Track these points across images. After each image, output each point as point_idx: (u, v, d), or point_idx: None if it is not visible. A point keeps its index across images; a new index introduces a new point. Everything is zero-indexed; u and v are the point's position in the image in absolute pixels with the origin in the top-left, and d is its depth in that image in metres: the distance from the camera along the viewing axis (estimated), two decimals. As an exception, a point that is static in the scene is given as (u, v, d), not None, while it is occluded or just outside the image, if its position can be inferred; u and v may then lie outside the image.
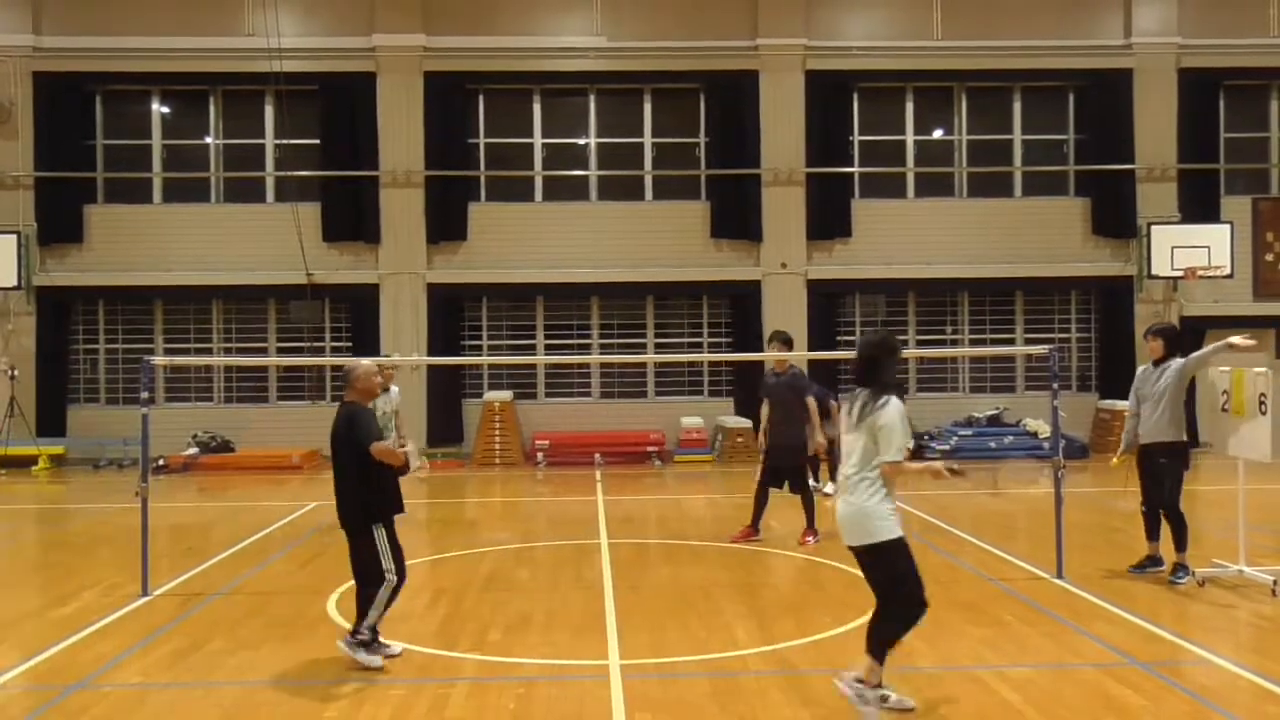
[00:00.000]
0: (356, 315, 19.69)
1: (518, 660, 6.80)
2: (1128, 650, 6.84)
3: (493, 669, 6.65)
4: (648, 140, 20.19)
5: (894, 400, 5.59)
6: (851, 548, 5.72)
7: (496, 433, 18.81)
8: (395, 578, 6.69)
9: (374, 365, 7.01)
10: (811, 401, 10.78)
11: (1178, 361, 8.74)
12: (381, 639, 6.81)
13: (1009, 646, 6.96)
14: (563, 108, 20.26)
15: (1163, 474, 8.70)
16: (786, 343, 10.99)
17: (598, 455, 18.39)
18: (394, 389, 11.43)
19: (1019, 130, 20.41)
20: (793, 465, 10.71)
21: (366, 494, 6.66)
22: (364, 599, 6.70)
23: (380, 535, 6.68)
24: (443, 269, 19.59)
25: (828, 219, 19.69)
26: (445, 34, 19.51)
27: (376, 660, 6.64)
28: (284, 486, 16.27)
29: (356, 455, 6.62)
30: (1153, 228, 19.23)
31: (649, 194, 20.23)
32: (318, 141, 19.65)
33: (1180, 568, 8.70)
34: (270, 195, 19.94)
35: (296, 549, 10.81)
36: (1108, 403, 19.44)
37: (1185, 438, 8.75)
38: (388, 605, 6.73)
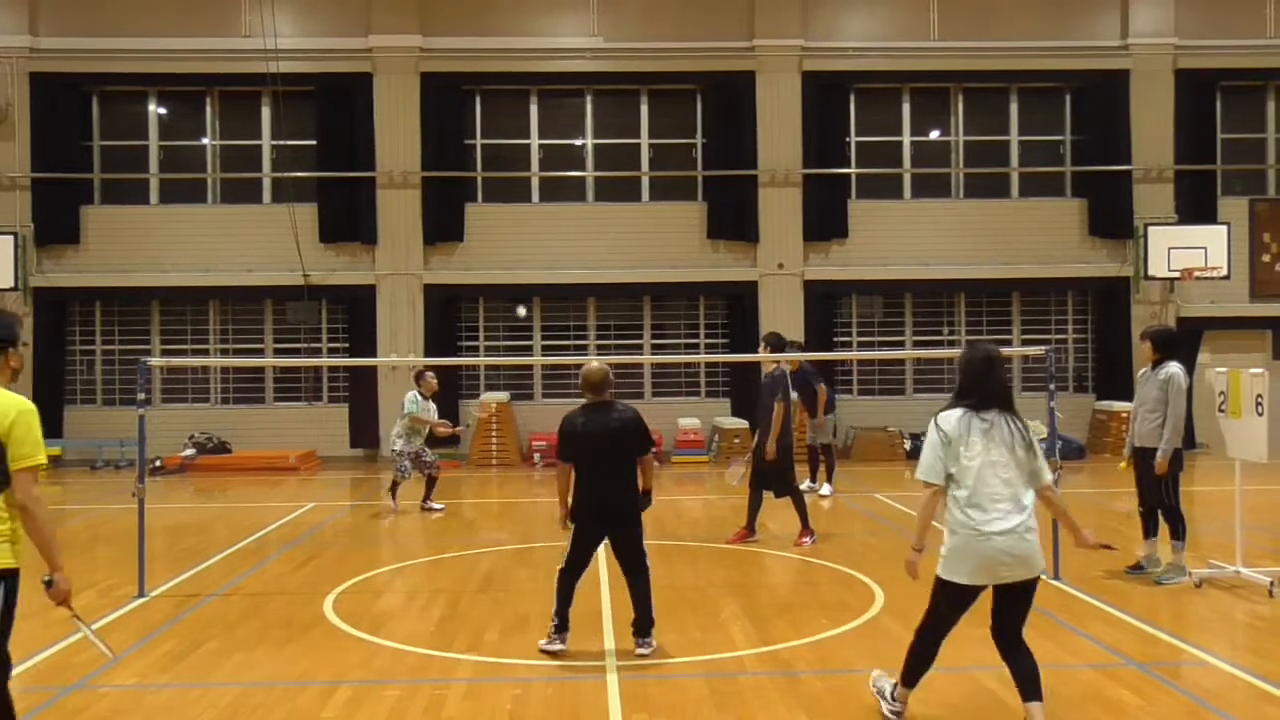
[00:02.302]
0: (353, 316, 19.68)
1: (515, 661, 6.80)
2: (1125, 651, 6.85)
3: (490, 669, 6.65)
4: (644, 141, 20.19)
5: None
6: (1020, 584, 5.27)
7: (493, 433, 18.81)
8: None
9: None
10: (778, 406, 10.42)
11: (1176, 373, 8.71)
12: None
13: (1006, 647, 6.96)
14: (559, 108, 20.26)
15: (1158, 476, 8.71)
16: (775, 345, 10.93)
17: (595, 456, 18.34)
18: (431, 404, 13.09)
19: (1016, 131, 20.42)
20: (775, 468, 10.51)
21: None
22: (638, 592, 6.94)
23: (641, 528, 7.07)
24: (439, 270, 19.59)
25: (824, 220, 19.69)
26: (442, 34, 19.50)
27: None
28: (281, 487, 16.26)
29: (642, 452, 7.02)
30: (1149, 229, 19.23)
31: (646, 195, 20.23)
32: (314, 142, 19.62)
33: (1174, 568, 8.71)
34: (267, 196, 19.92)
35: (293, 550, 10.80)
36: (1105, 404, 19.47)
37: (1178, 444, 8.74)
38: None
